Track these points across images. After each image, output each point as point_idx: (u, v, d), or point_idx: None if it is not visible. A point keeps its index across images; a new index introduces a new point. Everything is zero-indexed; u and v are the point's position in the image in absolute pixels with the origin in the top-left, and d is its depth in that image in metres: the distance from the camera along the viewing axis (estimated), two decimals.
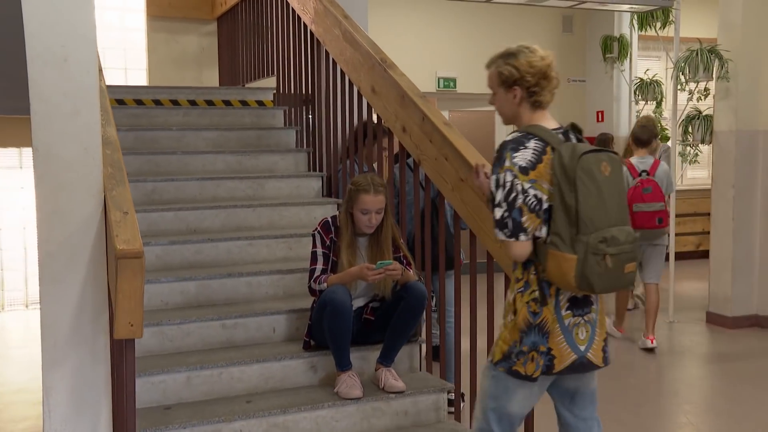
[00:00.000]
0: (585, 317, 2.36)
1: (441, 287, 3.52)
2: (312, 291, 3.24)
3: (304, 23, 4.74)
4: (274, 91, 5.47)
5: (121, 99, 5.09)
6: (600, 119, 9.17)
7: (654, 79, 8.66)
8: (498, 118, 9.43)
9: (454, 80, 8.71)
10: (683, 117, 6.84)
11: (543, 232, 2.27)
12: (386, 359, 3.29)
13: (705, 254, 8.58)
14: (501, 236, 2.28)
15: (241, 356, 3.25)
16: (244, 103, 5.44)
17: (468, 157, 3.08)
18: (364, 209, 3.19)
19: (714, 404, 4.68)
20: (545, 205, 2.26)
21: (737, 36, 6.20)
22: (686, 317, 6.69)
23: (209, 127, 4.95)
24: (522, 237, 2.26)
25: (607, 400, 4.64)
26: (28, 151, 7.93)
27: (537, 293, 2.30)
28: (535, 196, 2.26)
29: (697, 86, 6.79)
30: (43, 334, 2.37)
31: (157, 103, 5.20)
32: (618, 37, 8.77)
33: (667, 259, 8.10)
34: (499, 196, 2.27)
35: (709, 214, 6.82)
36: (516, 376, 2.32)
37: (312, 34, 4.63)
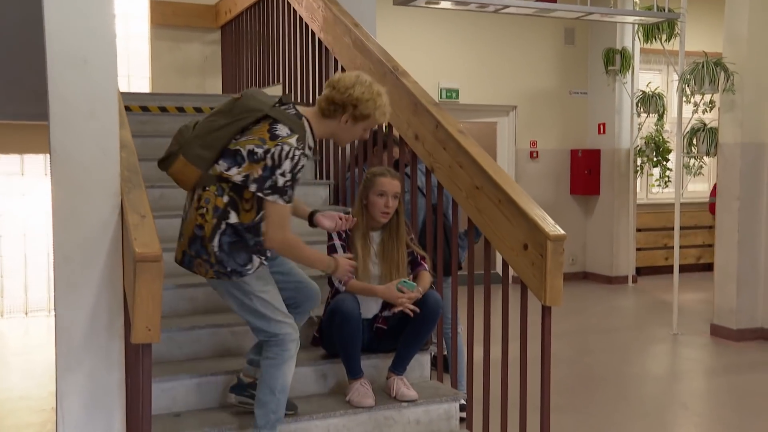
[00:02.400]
0: None
1: (453, 294, 3.49)
2: (330, 282, 3.21)
3: (312, 31, 4.73)
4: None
5: (126, 105, 5.05)
6: (602, 131, 9.19)
7: (656, 91, 8.68)
8: (501, 130, 9.44)
9: (456, 91, 8.71)
10: (688, 129, 6.85)
11: None
12: (398, 368, 3.26)
13: (706, 267, 8.59)
14: (280, 201, 2.55)
15: None
16: None
17: (483, 165, 3.07)
18: (381, 191, 3.18)
19: (722, 417, 4.65)
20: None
21: (743, 49, 6.22)
22: (690, 330, 6.67)
23: None
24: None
25: (615, 412, 4.63)
26: (29, 158, 7.89)
27: None
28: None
29: (702, 98, 6.80)
30: (58, 339, 2.33)
31: (163, 110, 5.17)
32: (620, 49, 8.79)
33: (657, 272, 8.11)
34: (287, 166, 2.51)
35: (710, 227, 6.83)
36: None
37: (320, 42, 4.62)
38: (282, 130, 2.53)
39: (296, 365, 3.24)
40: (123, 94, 5.47)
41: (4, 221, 7.92)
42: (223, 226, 2.56)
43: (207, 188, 2.58)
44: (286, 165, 2.50)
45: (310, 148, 2.68)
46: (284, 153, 2.49)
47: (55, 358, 2.36)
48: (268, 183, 2.50)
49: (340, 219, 3.03)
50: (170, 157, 2.62)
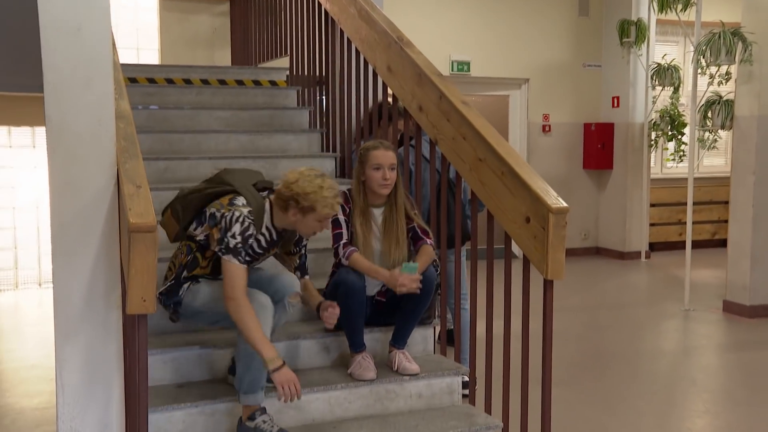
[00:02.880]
0: None
1: (456, 268, 3.46)
2: (336, 253, 3.19)
3: (318, 2, 4.67)
4: (288, 71, 5.42)
5: (133, 77, 5.05)
6: (615, 105, 9.07)
7: (672, 64, 8.54)
8: (513, 103, 9.36)
9: (468, 64, 8.62)
10: (703, 102, 6.73)
11: None
12: (399, 341, 3.25)
13: (721, 243, 8.51)
14: (234, 261, 2.70)
15: None
16: (257, 82, 5.38)
17: (486, 137, 3.02)
18: (376, 164, 3.15)
19: (732, 393, 4.61)
20: None
21: (763, 17, 6.07)
22: (702, 306, 6.62)
23: (222, 106, 4.90)
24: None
25: (622, 387, 4.61)
26: (41, 130, 7.91)
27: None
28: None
29: (718, 70, 6.67)
30: (56, 308, 2.34)
31: (170, 82, 5.15)
32: (635, 21, 8.64)
33: (671, 248, 7.98)
34: (236, 229, 2.72)
35: (725, 203, 6.74)
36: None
37: (327, 12, 4.56)
38: (239, 200, 2.80)
39: (299, 338, 3.26)
40: (130, 66, 5.50)
41: (17, 194, 7.97)
42: (183, 275, 2.89)
43: (180, 244, 2.94)
44: (236, 228, 2.73)
45: (268, 229, 2.89)
46: (234, 217, 2.73)
47: (54, 328, 2.36)
48: (223, 243, 2.73)
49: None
50: (166, 209, 2.95)
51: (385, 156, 3.16)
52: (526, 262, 2.87)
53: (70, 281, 2.34)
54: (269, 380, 2.77)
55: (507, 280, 3.04)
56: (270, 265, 3.09)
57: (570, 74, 9.00)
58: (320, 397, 3.05)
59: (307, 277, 3.15)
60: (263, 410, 2.81)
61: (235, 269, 2.70)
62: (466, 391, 3.44)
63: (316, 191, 2.77)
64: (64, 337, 2.34)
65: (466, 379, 3.50)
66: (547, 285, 2.77)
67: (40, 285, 7.98)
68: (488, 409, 3.24)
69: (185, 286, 2.87)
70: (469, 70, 8.62)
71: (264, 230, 2.87)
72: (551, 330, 2.83)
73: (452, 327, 4.08)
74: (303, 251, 3.14)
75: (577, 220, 9.31)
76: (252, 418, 2.78)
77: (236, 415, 2.91)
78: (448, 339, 3.97)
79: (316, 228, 2.88)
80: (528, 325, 2.94)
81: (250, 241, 2.78)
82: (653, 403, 4.33)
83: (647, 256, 9.13)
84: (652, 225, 9.37)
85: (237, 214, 2.73)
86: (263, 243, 2.90)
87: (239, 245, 2.72)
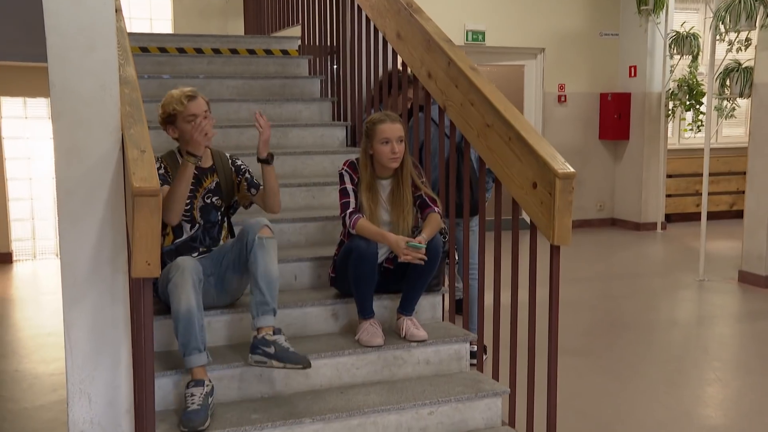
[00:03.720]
0: None
1: (465, 237, 3.45)
2: (344, 223, 3.19)
3: None
4: (300, 40, 5.39)
5: (145, 47, 5.04)
6: (632, 74, 8.94)
7: (691, 32, 8.39)
8: (528, 73, 9.24)
9: (482, 33, 8.51)
10: (721, 69, 6.62)
11: None
12: (406, 308, 3.26)
13: (739, 214, 8.41)
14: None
15: None
16: (268, 52, 5.36)
17: (494, 102, 2.99)
18: (384, 138, 3.13)
19: (744, 362, 4.59)
20: None
21: None
22: (717, 276, 6.57)
23: (233, 75, 4.89)
24: None
25: (634, 356, 4.60)
26: None
27: None
28: None
29: (737, 36, 6.54)
30: (63, 273, 2.36)
31: (181, 51, 5.14)
32: None
33: (688, 219, 7.85)
34: None
35: (744, 174, 6.64)
36: None
37: None
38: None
39: (307, 305, 3.28)
40: (141, 35, 5.50)
41: (33, 165, 8.04)
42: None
43: None
44: None
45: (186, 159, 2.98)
46: None
47: (61, 292, 2.39)
48: None
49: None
50: None
51: (392, 129, 3.13)
52: (533, 228, 2.85)
53: (76, 246, 2.35)
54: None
55: (515, 246, 3.03)
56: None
57: (586, 43, 8.87)
58: (328, 363, 3.07)
59: (262, 187, 3.22)
60: (198, 382, 2.72)
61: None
62: (474, 361, 3.45)
63: (169, 100, 3.04)
64: (72, 301, 2.37)
65: (474, 349, 3.51)
66: (554, 251, 2.76)
67: (57, 255, 8.07)
68: (496, 376, 3.24)
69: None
70: (484, 39, 8.52)
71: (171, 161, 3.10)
72: (557, 296, 2.82)
73: (461, 296, 4.09)
74: (247, 174, 3.24)
75: (593, 191, 9.25)
76: (187, 386, 2.73)
77: (245, 379, 2.93)
78: (457, 308, 3.98)
79: (188, 130, 2.97)
80: (535, 290, 2.93)
81: (161, 171, 2.99)
82: (664, 371, 4.32)
83: (663, 228, 9.06)
84: (668, 196, 9.28)
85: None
86: None
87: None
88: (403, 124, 3.24)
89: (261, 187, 3.20)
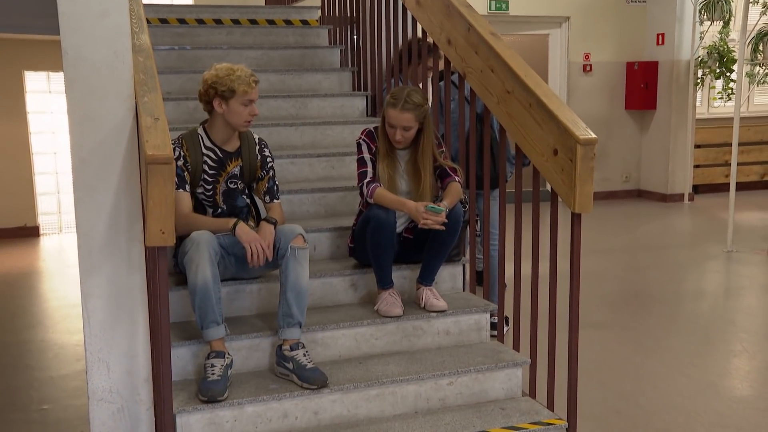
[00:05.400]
0: None
1: (486, 206, 3.40)
2: (362, 193, 3.16)
3: None
4: (320, 10, 5.32)
5: (164, 18, 5.01)
6: (660, 42, 8.74)
7: None
8: (552, 42, 9.08)
9: (506, 2, 8.37)
10: (753, 34, 6.42)
11: None
12: (426, 278, 3.22)
13: None
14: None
15: None
16: (288, 22, 5.30)
17: (514, 68, 2.92)
18: (390, 123, 3.09)
19: None
20: None
21: None
22: (746, 247, 6.45)
23: (253, 46, 4.85)
24: None
25: (658, 328, 4.54)
26: None
27: None
28: None
29: None
30: (79, 243, 2.36)
31: (200, 22, 5.10)
32: None
33: (717, 190, 7.67)
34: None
35: None
36: None
37: None
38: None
39: (326, 275, 3.26)
40: (160, 6, 5.47)
41: (58, 139, 8.10)
42: None
43: None
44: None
45: (210, 148, 2.99)
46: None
47: (77, 262, 2.39)
48: None
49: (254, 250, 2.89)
50: None
51: (399, 118, 3.06)
52: (554, 196, 2.80)
53: (91, 215, 2.35)
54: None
55: (535, 216, 2.98)
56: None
57: (613, 11, 8.67)
58: (346, 333, 3.06)
59: (276, 201, 3.14)
60: (219, 354, 2.73)
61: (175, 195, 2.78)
62: (495, 332, 3.41)
63: (229, 74, 2.88)
64: (88, 270, 2.37)
65: (495, 320, 3.48)
66: (575, 219, 2.70)
67: None
68: (516, 347, 3.21)
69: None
70: (507, 8, 8.37)
71: (205, 150, 2.99)
72: (579, 265, 2.76)
73: (482, 267, 4.04)
74: (271, 173, 3.13)
75: (619, 162, 9.10)
76: (207, 356, 2.74)
77: (264, 350, 2.94)
78: (478, 279, 3.95)
79: (243, 113, 2.92)
80: (555, 259, 2.88)
81: (179, 162, 2.90)
82: (690, 343, 4.26)
83: (691, 199, 8.91)
84: (696, 167, 9.11)
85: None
86: (211, 162, 2.98)
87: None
88: (422, 112, 3.12)
89: (274, 202, 3.13)
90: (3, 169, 7.82)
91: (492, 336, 3.34)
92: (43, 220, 8.16)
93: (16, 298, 5.69)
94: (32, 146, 7.99)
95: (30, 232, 8.00)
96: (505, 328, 3.88)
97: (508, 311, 3.54)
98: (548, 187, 2.83)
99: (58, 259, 7.25)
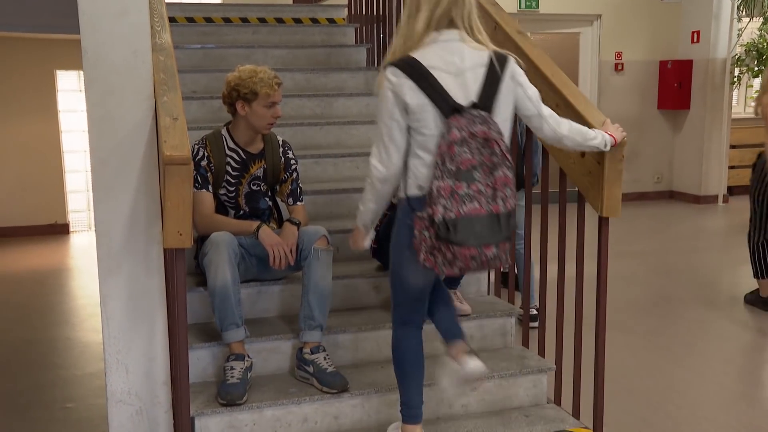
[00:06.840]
0: None
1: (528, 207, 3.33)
2: None
3: None
4: (346, 9, 5.29)
5: (191, 17, 5.03)
6: (695, 40, 8.56)
7: None
8: (584, 41, 8.94)
9: (536, 0, 8.25)
10: None
11: None
12: (451, 281, 3.17)
13: None
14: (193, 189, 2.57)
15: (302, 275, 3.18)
16: (314, 20, 5.28)
17: (542, 67, 2.85)
18: None
19: None
20: None
21: None
22: None
23: (278, 44, 4.84)
24: None
25: (689, 333, 4.42)
26: None
27: None
28: None
29: None
30: (98, 243, 2.35)
31: (227, 20, 5.10)
32: None
33: (746, 192, 7.48)
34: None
35: None
36: None
37: None
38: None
39: (349, 277, 3.23)
40: (188, 5, 5.48)
41: (84, 137, 8.17)
42: None
43: None
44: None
45: (234, 150, 2.99)
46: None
47: (96, 263, 2.37)
48: None
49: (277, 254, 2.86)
50: None
51: None
52: (581, 199, 2.73)
53: (111, 216, 2.33)
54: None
55: (562, 218, 2.91)
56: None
57: (646, 9, 8.51)
58: (369, 336, 3.02)
59: (299, 203, 3.11)
60: (239, 356, 2.72)
61: (194, 195, 2.76)
62: (535, 324, 3.32)
63: (252, 76, 2.88)
64: (107, 272, 2.35)
65: (534, 312, 3.39)
66: (603, 222, 2.63)
67: None
68: (542, 353, 3.14)
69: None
70: (537, 6, 8.26)
71: (229, 151, 2.98)
72: (606, 269, 2.69)
73: (507, 270, 3.97)
74: (294, 175, 3.11)
75: (650, 163, 8.94)
76: (227, 359, 2.73)
77: (284, 352, 2.91)
78: (503, 281, 3.88)
79: (266, 115, 2.91)
80: (582, 262, 2.81)
81: (203, 163, 2.92)
82: (722, 350, 4.14)
83: (725, 200, 8.72)
84: (731, 168, 8.91)
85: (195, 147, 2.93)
86: (234, 163, 2.98)
87: (194, 172, 2.84)
88: None
89: (297, 205, 3.10)
90: (34, 167, 7.92)
91: (532, 327, 3.28)
92: (73, 218, 8.25)
93: (44, 296, 5.75)
94: (63, 144, 8.08)
95: (60, 230, 8.09)
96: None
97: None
98: (576, 188, 2.75)
99: (88, 257, 7.31)
